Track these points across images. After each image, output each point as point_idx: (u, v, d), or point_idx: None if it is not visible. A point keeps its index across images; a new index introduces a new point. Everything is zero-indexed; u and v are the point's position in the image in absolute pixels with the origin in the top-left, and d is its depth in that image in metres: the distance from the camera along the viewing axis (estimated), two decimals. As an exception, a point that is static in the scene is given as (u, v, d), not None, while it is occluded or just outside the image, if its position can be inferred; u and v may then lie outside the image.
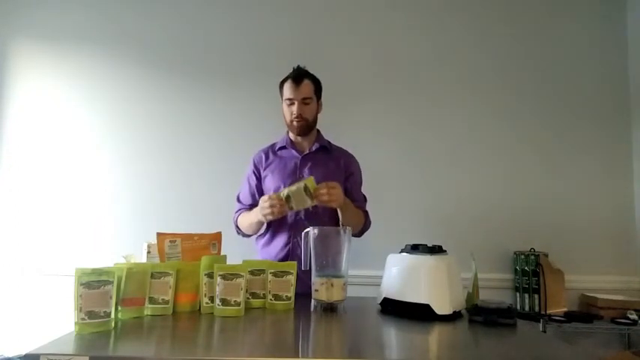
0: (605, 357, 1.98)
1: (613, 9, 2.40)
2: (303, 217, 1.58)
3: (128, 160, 2.31)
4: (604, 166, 2.32)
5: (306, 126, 1.64)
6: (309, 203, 1.43)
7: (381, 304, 1.24)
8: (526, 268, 2.15)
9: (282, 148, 1.70)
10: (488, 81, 2.36)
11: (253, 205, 1.70)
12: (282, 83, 1.66)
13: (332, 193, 1.42)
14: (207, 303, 1.13)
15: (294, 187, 1.42)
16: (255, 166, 1.71)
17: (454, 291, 1.16)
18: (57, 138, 2.33)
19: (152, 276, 1.10)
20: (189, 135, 2.33)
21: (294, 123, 1.62)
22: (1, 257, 2.25)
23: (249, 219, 1.63)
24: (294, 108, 1.60)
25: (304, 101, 1.61)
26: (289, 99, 1.61)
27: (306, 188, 1.40)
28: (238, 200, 1.75)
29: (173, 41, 2.38)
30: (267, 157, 1.70)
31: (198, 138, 2.32)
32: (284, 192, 1.43)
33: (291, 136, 1.71)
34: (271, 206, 1.43)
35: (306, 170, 1.63)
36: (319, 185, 1.41)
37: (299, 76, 1.62)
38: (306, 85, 1.62)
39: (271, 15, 2.39)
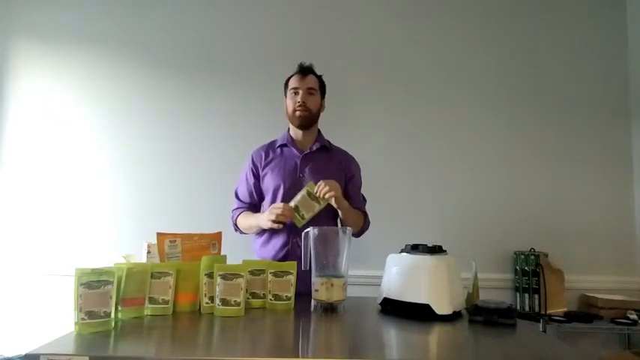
0: (605, 357, 1.98)
1: (613, 9, 2.40)
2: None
3: (128, 160, 2.31)
4: (604, 167, 2.32)
5: (309, 117, 1.63)
6: (317, 207, 1.47)
7: (381, 304, 1.24)
8: (526, 268, 2.15)
9: (283, 145, 1.69)
10: (490, 82, 2.36)
11: (252, 203, 1.70)
12: (288, 79, 1.69)
13: (330, 184, 1.45)
14: (207, 303, 1.13)
15: (298, 197, 1.47)
16: (254, 164, 1.69)
17: (454, 291, 1.16)
18: (57, 138, 2.32)
19: (152, 276, 1.10)
20: (189, 135, 2.33)
21: (297, 112, 1.62)
22: (1, 257, 2.25)
23: (251, 222, 1.63)
24: (299, 96, 1.62)
25: (309, 91, 1.63)
26: (294, 88, 1.64)
27: (309, 194, 1.46)
28: (237, 197, 1.74)
29: (172, 41, 2.37)
30: (266, 155, 1.69)
31: (198, 138, 2.32)
32: (291, 204, 1.47)
33: (292, 133, 1.70)
34: (281, 214, 1.44)
35: (306, 170, 1.62)
36: (317, 184, 1.46)
37: (307, 69, 1.67)
38: (312, 79, 1.66)
39: (272, 16, 2.39)
